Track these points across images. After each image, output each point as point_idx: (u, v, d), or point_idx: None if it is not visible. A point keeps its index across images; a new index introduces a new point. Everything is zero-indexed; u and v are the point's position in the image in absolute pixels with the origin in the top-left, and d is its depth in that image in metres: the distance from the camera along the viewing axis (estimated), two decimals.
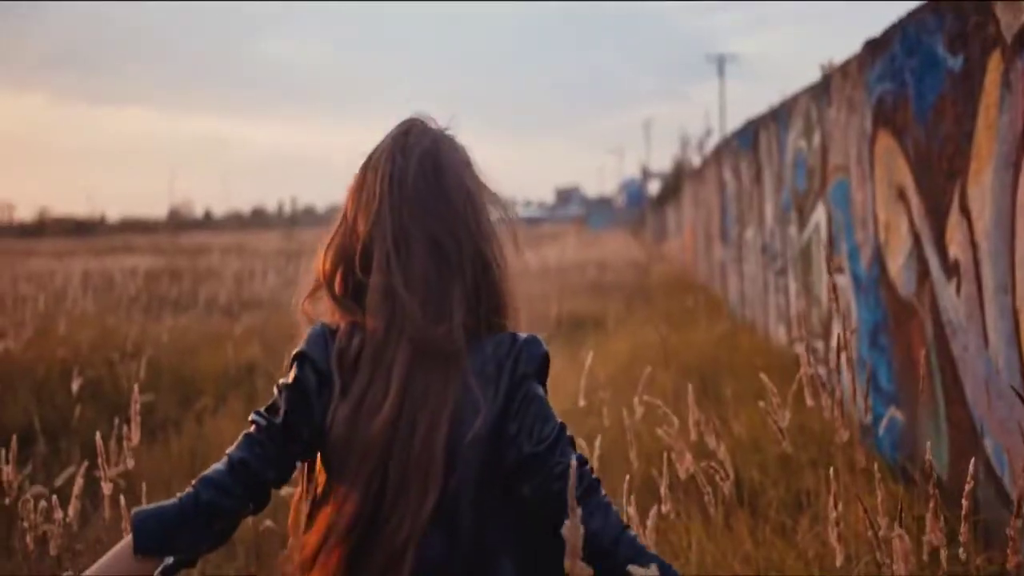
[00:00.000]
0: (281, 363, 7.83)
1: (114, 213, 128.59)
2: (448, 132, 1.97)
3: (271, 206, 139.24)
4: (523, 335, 1.83)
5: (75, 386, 6.58)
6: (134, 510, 1.81)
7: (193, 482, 1.88)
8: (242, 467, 1.90)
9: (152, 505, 1.84)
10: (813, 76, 8.12)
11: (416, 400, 1.78)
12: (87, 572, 1.74)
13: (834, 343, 4.20)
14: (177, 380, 9.71)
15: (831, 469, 3.07)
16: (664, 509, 3.45)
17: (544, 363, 1.83)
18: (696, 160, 37.84)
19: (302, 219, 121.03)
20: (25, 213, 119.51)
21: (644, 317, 13.91)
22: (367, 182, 1.92)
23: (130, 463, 4.14)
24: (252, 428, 1.94)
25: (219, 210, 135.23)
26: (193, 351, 10.84)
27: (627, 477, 3.21)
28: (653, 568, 1.53)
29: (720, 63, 64.09)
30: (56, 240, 64.75)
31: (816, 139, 8.05)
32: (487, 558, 1.76)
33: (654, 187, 70.71)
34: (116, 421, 4.39)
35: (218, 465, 1.92)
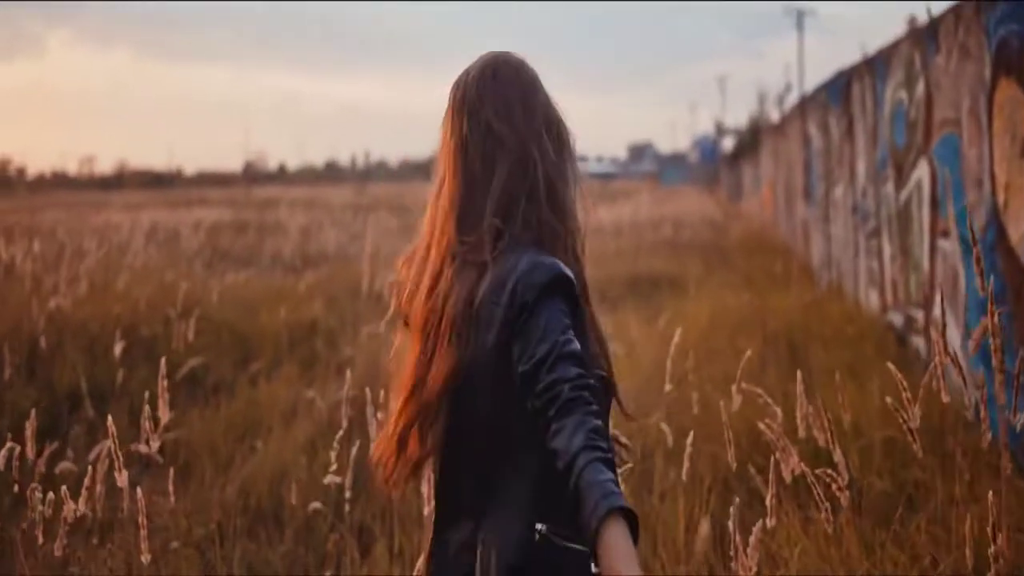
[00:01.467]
0: (345, 320, 7.38)
1: (191, 167, 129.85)
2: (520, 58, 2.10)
3: (344, 160, 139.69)
4: (525, 262, 1.89)
5: (118, 349, 6.21)
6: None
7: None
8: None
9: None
10: (894, 32, 7.45)
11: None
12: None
13: (937, 313, 3.64)
14: (235, 339, 9.35)
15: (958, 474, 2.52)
16: (770, 523, 2.93)
17: (552, 284, 1.86)
18: (775, 115, 36.78)
19: (375, 173, 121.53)
20: (105, 166, 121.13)
21: (723, 279, 13.30)
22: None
23: (155, 445, 3.73)
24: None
25: (293, 164, 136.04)
26: (253, 308, 10.48)
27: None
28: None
29: (799, 17, 62.40)
30: (133, 192, 65.32)
31: (919, 90, 7.37)
32: (501, 473, 1.93)
33: (728, 143, 69.50)
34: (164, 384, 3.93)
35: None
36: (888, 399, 3.02)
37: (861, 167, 9.82)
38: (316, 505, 4.55)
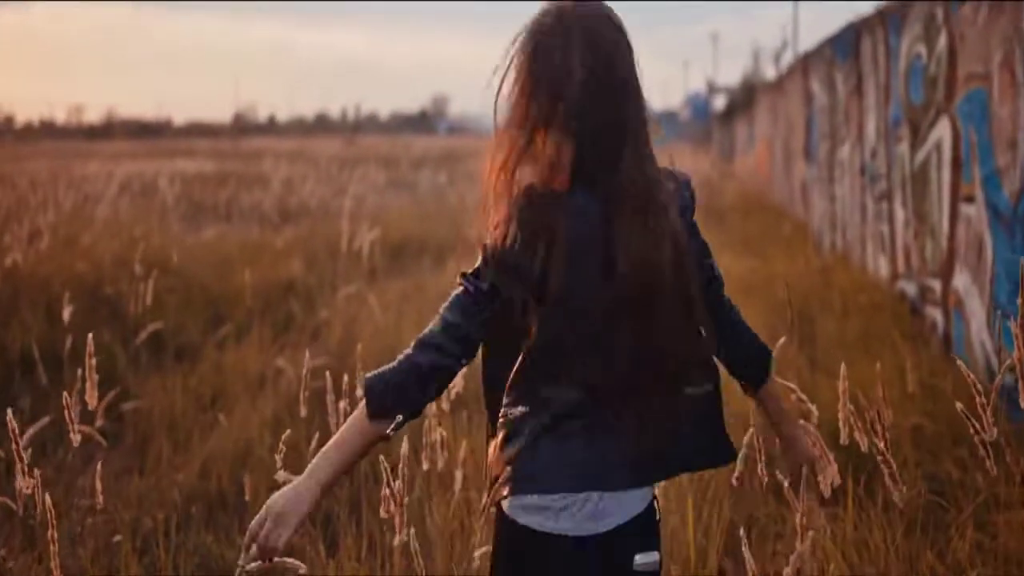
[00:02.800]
0: (323, 279, 6.77)
1: (181, 117, 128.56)
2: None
3: (335, 113, 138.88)
4: None
5: (67, 313, 5.66)
6: (365, 376, 1.98)
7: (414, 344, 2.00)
8: None
9: (376, 371, 2.00)
10: None
11: None
12: (328, 444, 1.99)
13: (958, 283, 3.15)
14: (207, 299, 8.82)
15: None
16: (800, 547, 2.45)
17: None
18: (771, 73, 36.12)
19: (365, 126, 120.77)
20: (94, 116, 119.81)
21: (719, 242, 12.79)
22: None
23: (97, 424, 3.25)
24: None
25: (283, 116, 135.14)
26: (228, 265, 9.93)
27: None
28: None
29: None
30: (121, 143, 64.37)
31: (941, 42, 6.84)
32: None
33: (720, 102, 68.75)
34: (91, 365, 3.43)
35: None
36: (959, 406, 2.52)
37: (871, 126, 9.29)
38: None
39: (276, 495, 1.92)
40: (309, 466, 1.95)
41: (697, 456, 2.10)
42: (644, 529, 2.00)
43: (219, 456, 5.21)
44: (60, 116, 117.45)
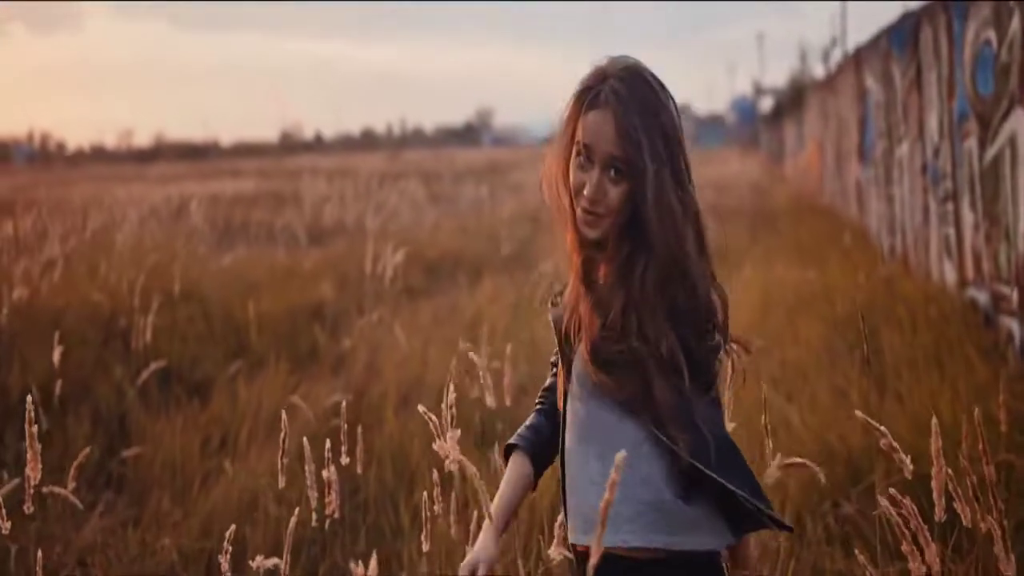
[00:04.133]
0: (352, 303, 6.17)
1: (228, 137, 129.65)
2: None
3: (380, 128, 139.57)
4: None
5: (56, 355, 5.19)
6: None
7: None
8: None
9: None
10: None
11: None
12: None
13: None
14: (229, 327, 8.35)
15: None
16: None
17: None
18: (819, 72, 35.30)
19: (410, 140, 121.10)
20: (143, 139, 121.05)
21: (772, 247, 12.16)
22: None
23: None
24: None
25: (329, 133, 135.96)
26: (254, 290, 9.47)
27: None
28: None
29: None
30: (169, 165, 64.64)
31: (1014, 26, 6.20)
32: None
33: (767, 104, 67.81)
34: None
35: None
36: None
37: (932, 121, 8.62)
38: (270, 564, 3.52)
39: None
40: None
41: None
42: None
43: (222, 509, 4.72)
44: (110, 140, 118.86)
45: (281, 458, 2.93)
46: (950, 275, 8.07)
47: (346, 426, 3.12)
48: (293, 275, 10.25)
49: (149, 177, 40.83)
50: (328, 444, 3.13)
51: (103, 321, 7.90)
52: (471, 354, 3.45)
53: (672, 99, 2.01)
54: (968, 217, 7.51)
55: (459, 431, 2.82)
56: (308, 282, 9.91)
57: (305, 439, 3.26)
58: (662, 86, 2.01)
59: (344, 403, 3.24)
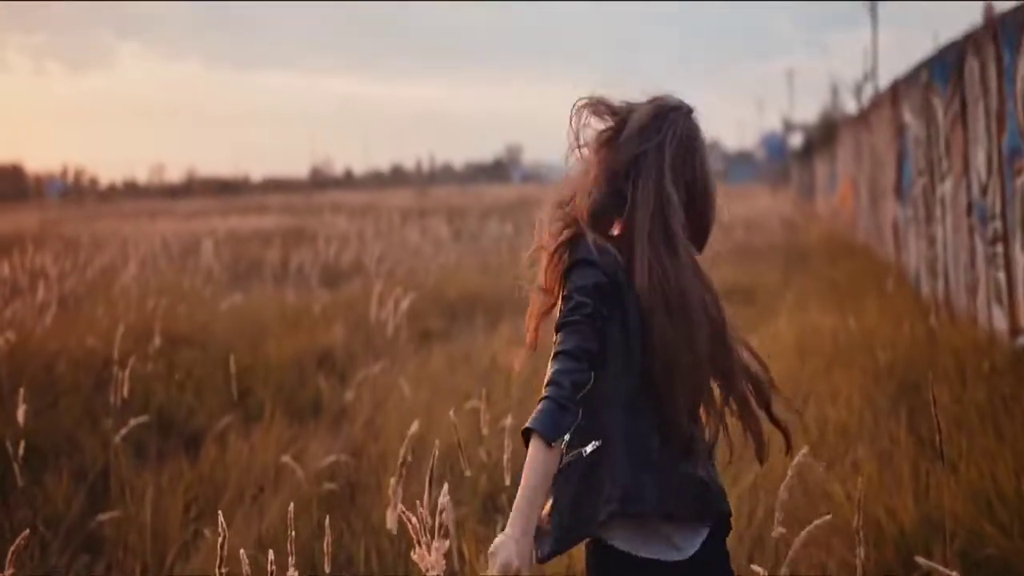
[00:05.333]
0: (366, 346, 5.57)
1: (259, 173, 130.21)
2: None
3: (409, 164, 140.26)
4: None
5: (20, 414, 4.71)
6: (524, 429, 2.16)
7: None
8: None
9: (534, 417, 2.16)
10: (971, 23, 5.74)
11: None
12: (526, 485, 2.12)
13: None
14: (229, 374, 7.86)
15: None
16: None
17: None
18: (851, 106, 34.76)
19: (440, 176, 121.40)
20: (174, 175, 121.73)
21: (805, 288, 11.61)
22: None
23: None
24: None
25: (359, 169, 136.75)
26: (260, 334, 9.02)
27: None
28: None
29: (872, 7, 59.81)
30: (198, 200, 64.75)
31: None
32: None
33: (796, 140, 67.30)
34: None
35: None
36: None
37: (979, 157, 8.09)
38: None
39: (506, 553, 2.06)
40: (515, 519, 2.09)
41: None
42: None
43: None
44: (142, 176, 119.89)
45: None
46: (1000, 322, 7.51)
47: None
48: (302, 318, 9.80)
49: (177, 212, 40.79)
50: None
51: (97, 367, 7.46)
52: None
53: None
54: (1020, 260, 6.97)
55: (447, 541, 2.35)
56: (318, 326, 9.45)
57: (291, 507, 2.89)
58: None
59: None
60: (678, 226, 2.30)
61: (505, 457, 3.51)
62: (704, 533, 2.30)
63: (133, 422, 5.27)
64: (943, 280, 9.73)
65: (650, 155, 2.31)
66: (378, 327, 8.05)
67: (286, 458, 5.19)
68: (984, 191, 7.95)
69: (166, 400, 7.09)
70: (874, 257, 14.79)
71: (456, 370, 7.60)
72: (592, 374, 2.20)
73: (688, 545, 2.28)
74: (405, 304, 7.51)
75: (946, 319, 8.42)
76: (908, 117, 11.73)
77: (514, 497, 2.12)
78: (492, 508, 5.01)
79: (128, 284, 10.72)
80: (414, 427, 3.59)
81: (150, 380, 7.31)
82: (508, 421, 5.73)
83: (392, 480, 4.45)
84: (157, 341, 8.03)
